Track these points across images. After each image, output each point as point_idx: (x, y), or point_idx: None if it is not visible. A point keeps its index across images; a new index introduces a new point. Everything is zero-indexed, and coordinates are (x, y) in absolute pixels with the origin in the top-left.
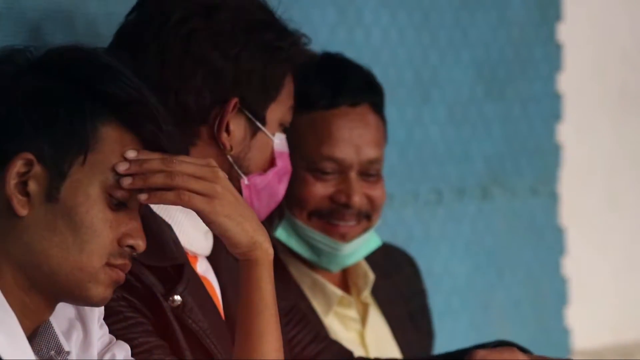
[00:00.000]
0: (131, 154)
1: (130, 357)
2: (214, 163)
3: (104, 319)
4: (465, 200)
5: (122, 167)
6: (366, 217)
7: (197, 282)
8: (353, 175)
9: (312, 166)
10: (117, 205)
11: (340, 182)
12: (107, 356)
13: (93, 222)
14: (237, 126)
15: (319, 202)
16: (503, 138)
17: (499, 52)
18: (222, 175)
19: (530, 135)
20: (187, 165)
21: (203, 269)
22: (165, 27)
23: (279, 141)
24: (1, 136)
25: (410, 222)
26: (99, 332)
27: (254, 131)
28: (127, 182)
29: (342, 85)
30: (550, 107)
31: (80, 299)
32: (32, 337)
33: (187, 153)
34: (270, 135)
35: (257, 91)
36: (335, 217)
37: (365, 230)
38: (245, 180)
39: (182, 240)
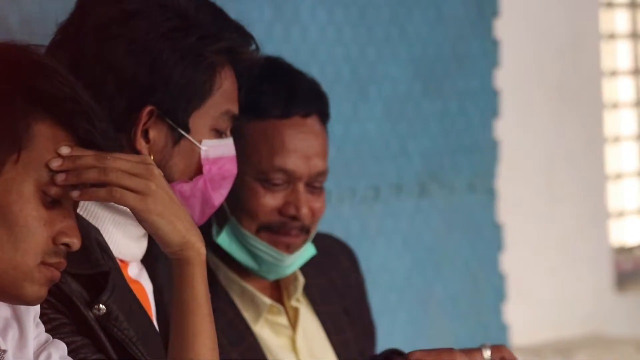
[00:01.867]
0: (65, 150)
1: (66, 356)
2: (149, 160)
3: None
4: (403, 197)
5: (56, 164)
6: (306, 232)
7: (124, 288)
8: (301, 186)
9: (262, 176)
10: (51, 202)
11: (288, 194)
12: (43, 355)
13: (27, 221)
14: (157, 133)
15: (268, 214)
16: (440, 134)
17: (436, 48)
18: (157, 172)
19: (467, 131)
20: (121, 162)
21: (135, 273)
22: (82, 31)
23: (209, 148)
24: None
25: (347, 219)
26: (35, 330)
27: (177, 138)
28: (60, 178)
29: (295, 95)
30: (488, 104)
31: (15, 298)
32: None
33: (121, 151)
34: (195, 142)
35: (176, 98)
36: (282, 231)
37: (304, 242)
38: None
39: (111, 246)
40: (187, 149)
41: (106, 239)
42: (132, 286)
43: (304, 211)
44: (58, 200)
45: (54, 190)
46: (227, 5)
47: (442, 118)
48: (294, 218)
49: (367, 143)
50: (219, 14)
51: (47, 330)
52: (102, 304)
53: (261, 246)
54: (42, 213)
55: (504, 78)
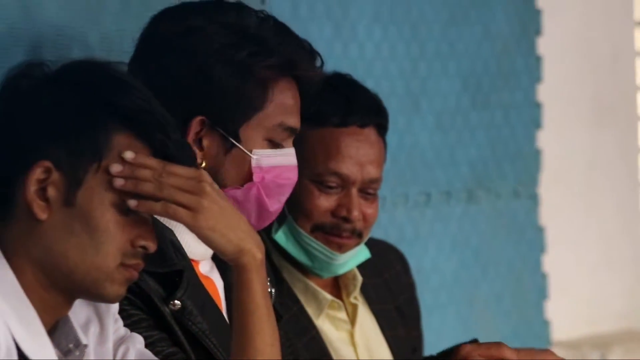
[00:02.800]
0: (128, 155)
1: (143, 349)
2: (204, 176)
3: None
4: (452, 202)
5: (116, 169)
6: (358, 235)
7: (198, 285)
8: (354, 191)
9: (317, 179)
10: (129, 209)
11: (342, 197)
12: (122, 349)
13: (107, 226)
14: (210, 142)
15: (322, 215)
16: (487, 144)
17: (483, 64)
18: (209, 189)
19: (512, 141)
20: (175, 179)
21: (207, 269)
22: (149, 45)
23: (260, 157)
24: (22, 146)
25: (401, 223)
26: (114, 326)
27: (228, 147)
28: (119, 183)
29: (354, 106)
30: (531, 115)
31: (97, 297)
32: (52, 331)
33: (194, 161)
34: (246, 151)
35: (226, 110)
36: (334, 232)
37: (357, 244)
38: None
39: (184, 246)
40: (238, 157)
41: (179, 239)
42: (204, 282)
43: (355, 214)
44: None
45: (132, 198)
46: (290, 25)
47: (488, 129)
48: (346, 220)
49: (419, 152)
50: (283, 31)
51: (126, 325)
52: (177, 300)
53: (315, 244)
54: (121, 218)
55: (546, 92)
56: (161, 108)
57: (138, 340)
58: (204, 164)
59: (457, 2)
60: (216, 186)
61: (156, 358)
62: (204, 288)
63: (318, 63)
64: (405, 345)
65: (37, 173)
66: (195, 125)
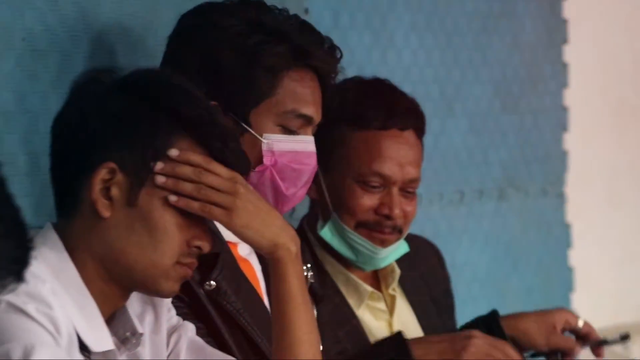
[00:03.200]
0: (173, 152)
1: (195, 337)
2: (238, 178)
3: None
4: (484, 200)
5: (159, 166)
6: (399, 231)
7: (233, 267)
8: (395, 190)
9: (361, 179)
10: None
11: (383, 196)
12: (174, 337)
13: (166, 226)
14: None
15: (365, 212)
16: (517, 146)
17: (513, 71)
18: (243, 190)
19: (540, 143)
20: (212, 178)
21: (245, 252)
22: (173, 41)
23: (272, 141)
24: (89, 147)
25: (436, 219)
26: (167, 315)
27: (241, 132)
28: (160, 180)
29: (394, 110)
30: (558, 119)
31: (152, 292)
32: (110, 321)
33: (249, 168)
34: (257, 135)
35: (236, 96)
36: (377, 228)
37: (397, 239)
38: None
39: (220, 229)
40: (250, 141)
41: (216, 223)
42: (242, 264)
43: (397, 212)
44: None
45: (172, 198)
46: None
47: (518, 131)
48: (388, 217)
49: (453, 153)
50: (304, 26)
51: None
52: (213, 280)
53: (359, 240)
54: (179, 219)
55: (572, 97)
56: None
57: (190, 329)
58: None
59: (489, 13)
60: (251, 187)
61: (206, 345)
62: (240, 270)
63: (337, 57)
64: (440, 333)
65: (103, 173)
66: None
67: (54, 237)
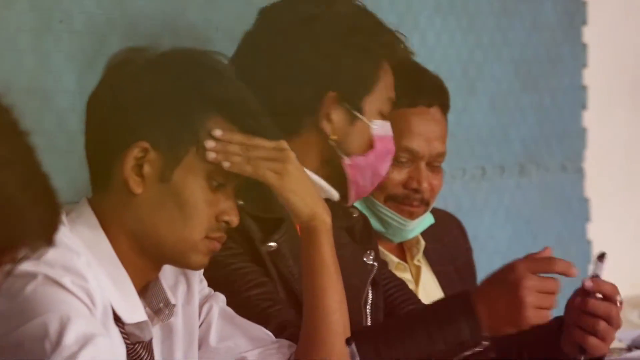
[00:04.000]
0: (217, 132)
1: (226, 307)
2: (284, 145)
3: None
4: (505, 176)
5: (209, 145)
6: (426, 204)
7: (294, 235)
8: (422, 165)
9: None
10: (217, 187)
11: (412, 170)
12: (206, 307)
13: (197, 202)
14: (337, 116)
15: (394, 187)
16: (537, 123)
17: (533, 51)
18: (292, 155)
19: (559, 121)
20: (260, 150)
21: None
22: (263, 39)
23: (377, 127)
24: (124, 126)
25: (458, 194)
26: (199, 285)
27: (353, 119)
28: (211, 156)
29: (421, 88)
30: (576, 97)
31: (182, 265)
32: (143, 292)
33: (300, 133)
34: (368, 122)
35: (352, 85)
36: (405, 202)
37: (424, 212)
38: (347, 160)
39: None
40: (361, 128)
41: None
42: None
43: (424, 185)
44: (223, 185)
45: (220, 177)
46: None
47: (538, 110)
48: (416, 191)
49: (475, 130)
50: (376, 18)
51: (223, 256)
52: (274, 242)
53: (388, 213)
54: (208, 196)
55: (591, 76)
56: (252, 96)
57: (221, 299)
58: (335, 137)
59: None
60: (293, 153)
61: (236, 315)
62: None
63: (407, 47)
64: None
65: (135, 152)
66: (327, 100)
67: (88, 212)
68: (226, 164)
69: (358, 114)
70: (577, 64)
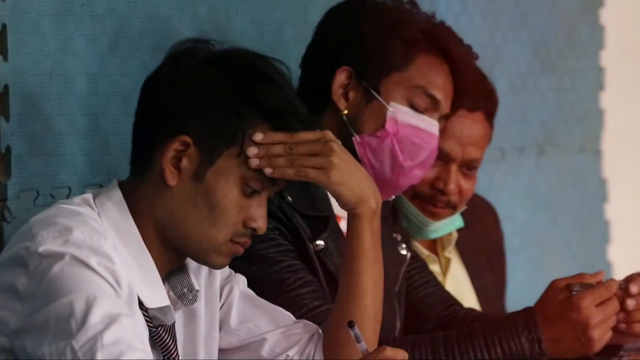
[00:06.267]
0: (258, 137)
1: (246, 288)
2: (329, 135)
3: (259, 243)
4: (524, 157)
5: (252, 152)
6: (453, 207)
7: (339, 233)
8: (454, 167)
9: None
10: (251, 192)
11: (441, 171)
12: (227, 288)
13: (227, 206)
14: (355, 94)
15: (422, 184)
16: (555, 105)
17: (552, 33)
18: (336, 147)
19: (577, 102)
20: (304, 146)
21: (344, 228)
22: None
23: (395, 110)
24: (170, 116)
25: (478, 175)
26: None
27: (370, 99)
28: (254, 163)
29: (465, 91)
30: (594, 79)
31: (203, 262)
32: (168, 276)
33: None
34: (384, 102)
35: (372, 63)
36: (430, 202)
37: (450, 215)
38: (357, 138)
39: (332, 200)
40: (377, 108)
41: (330, 195)
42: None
43: (451, 187)
44: (257, 191)
45: (255, 184)
46: None
47: (556, 91)
48: (442, 192)
49: None
50: (442, 25)
51: (274, 253)
52: (322, 240)
53: (412, 210)
54: (240, 200)
55: (609, 57)
56: (300, 104)
57: (241, 280)
58: (346, 112)
59: None
60: (339, 142)
61: (257, 296)
62: (344, 238)
63: (473, 55)
64: (491, 292)
65: (177, 144)
66: (340, 74)
67: (118, 196)
68: (268, 170)
69: (374, 93)
70: (594, 45)
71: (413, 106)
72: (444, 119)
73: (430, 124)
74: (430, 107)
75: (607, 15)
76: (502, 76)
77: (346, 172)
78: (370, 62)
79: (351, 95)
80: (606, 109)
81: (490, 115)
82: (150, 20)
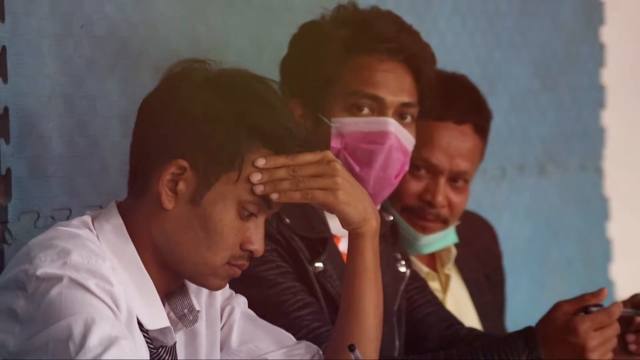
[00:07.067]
0: (261, 162)
1: (247, 309)
2: (330, 156)
3: (258, 266)
4: (525, 175)
5: (256, 178)
6: (443, 221)
7: (338, 255)
8: (442, 180)
9: (411, 162)
10: (248, 215)
11: (429, 183)
12: (228, 308)
13: (224, 229)
14: (307, 121)
15: (410, 197)
16: (556, 123)
17: (552, 51)
18: (339, 166)
19: (578, 120)
20: (307, 167)
21: (344, 248)
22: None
23: (339, 125)
24: (167, 139)
25: (479, 194)
26: None
27: (319, 121)
28: (259, 189)
29: (452, 104)
30: (595, 97)
31: (200, 284)
32: (169, 296)
33: None
34: (326, 120)
35: (310, 85)
36: (419, 215)
37: (441, 229)
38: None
39: (329, 220)
40: (324, 128)
41: (326, 215)
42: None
43: (439, 199)
44: (254, 214)
45: (252, 207)
46: None
47: (557, 109)
48: (430, 204)
49: (495, 130)
50: (384, 15)
51: (273, 275)
52: (321, 263)
53: (402, 223)
54: (237, 224)
55: (609, 75)
56: (299, 127)
57: (242, 301)
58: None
59: None
60: (340, 162)
61: (257, 317)
62: (343, 259)
63: (422, 42)
64: (491, 308)
65: (173, 168)
66: (292, 106)
67: (116, 218)
68: (275, 196)
69: (319, 115)
70: (595, 63)
71: (356, 110)
72: (413, 113)
73: (378, 124)
74: (376, 106)
75: (608, 33)
76: (503, 94)
77: (351, 192)
78: (309, 85)
79: (307, 125)
80: (607, 126)
81: (480, 128)
82: (149, 42)
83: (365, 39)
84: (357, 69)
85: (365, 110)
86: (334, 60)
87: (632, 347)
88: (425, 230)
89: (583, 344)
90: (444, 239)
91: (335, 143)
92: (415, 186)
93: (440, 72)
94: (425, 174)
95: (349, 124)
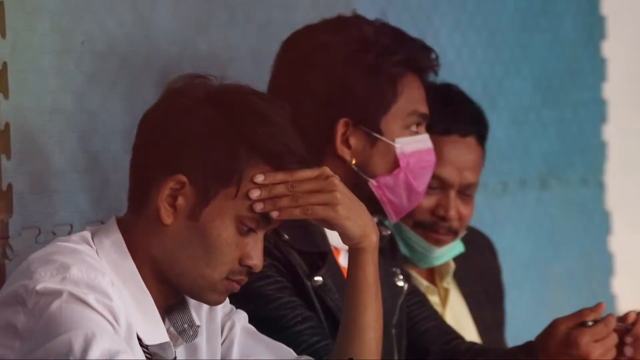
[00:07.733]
0: (259, 178)
1: (247, 324)
2: (328, 171)
3: (256, 281)
4: (527, 190)
5: (255, 194)
6: (454, 233)
7: (337, 269)
8: (452, 193)
9: None
10: (247, 231)
11: (441, 198)
12: (229, 324)
13: (222, 245)
14: (356, 140)
15: (422, 213)
16: (558, 137)
17: (553, 66)
18: (338, 181)
19: (580, 134)
20: (306, 183)
21: (344, 262)
22: (286, 67)
23: (403, 144)
24: (167, 154)
25: (480, 209)
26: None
27: (373, 141)
28: (259, 207)
29: (457, 117)
30: (597, 111)
31: (198, 299)
32: (169, 311)
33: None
34: (389, 141)
35: (366, 107)
36: (432, 229)
37: (452, 240)
38: (373, 182)
39: (328, 233)
40: (383, 148)
41: (325, 229)
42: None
43: (452, 213)
44: (253, 230)
45: (251, 223)
46: None
47: (558, 124)
48: (443, 219)
49: (496, 145)
50: (397, 33)
51: (272, 290)
52: (320, 276)
53: (415, 239)
54: (236, 239)
55: (611, 90)
56: (299, 143)
57: (243, 316)
58: (354, 161)
59: (530, 10)
60: (338, 177)
61: (258, 332)
62: (342, 273)
63: (433, 56)
64: (490, 323)
65: (172, 183)
66: (340, 127)
67: (116, 233)
68: (275, 214)
69: (377, 135)
70: (597, 78)
71: (409, 129)
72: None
73: (425, 141)
74: (421, 123)
75: (609, 48)
76: (504, 109)
77: (350, 206)
78: (365, 106)
79: (352, 143)
80: (609, 141)
81: (482, 139)
82: (150, 57)
83: (410, 62)
84: (410, 87)
85: (414, 128)
86: (391, 81)
87: (629, 351)
88: (438, 243)
89: (586, 356)
90: (453, 250)
91: (403, 163)
92: (427, 202)
93: (430, 84)
94: (436, 189)
95: (410, 144)
